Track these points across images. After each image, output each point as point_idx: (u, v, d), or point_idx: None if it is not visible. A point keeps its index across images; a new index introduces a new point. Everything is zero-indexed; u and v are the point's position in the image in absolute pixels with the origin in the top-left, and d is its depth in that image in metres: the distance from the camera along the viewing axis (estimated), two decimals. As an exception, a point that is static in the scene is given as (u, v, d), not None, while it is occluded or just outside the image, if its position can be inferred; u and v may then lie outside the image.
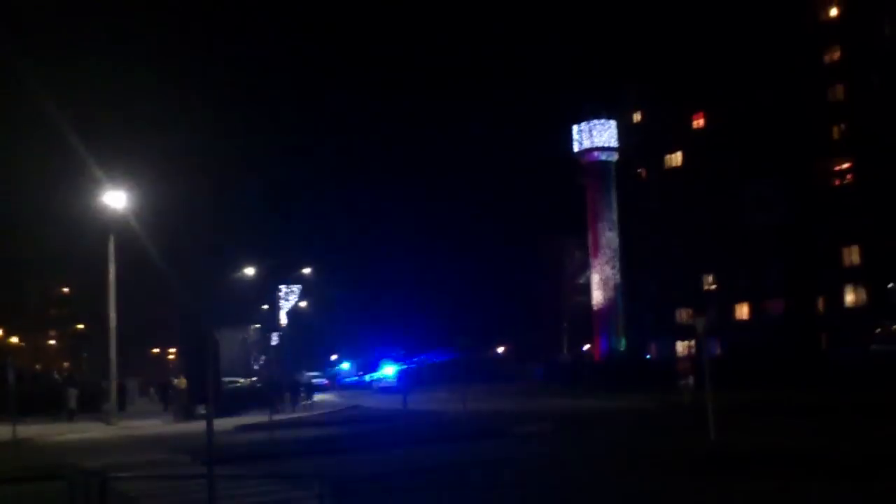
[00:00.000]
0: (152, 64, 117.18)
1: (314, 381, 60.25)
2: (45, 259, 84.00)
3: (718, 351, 57.58)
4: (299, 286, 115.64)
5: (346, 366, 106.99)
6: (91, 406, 40.12)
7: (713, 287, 68.73)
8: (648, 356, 70.52)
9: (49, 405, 39.75)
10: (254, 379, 73.24)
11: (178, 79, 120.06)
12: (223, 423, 24.55)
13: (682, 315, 68.70)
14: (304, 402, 46.78)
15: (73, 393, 39.08)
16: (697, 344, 50.36)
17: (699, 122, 70.66)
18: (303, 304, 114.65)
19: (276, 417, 28.56)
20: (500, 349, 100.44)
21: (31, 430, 30.20)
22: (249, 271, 78.84)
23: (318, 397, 50.33)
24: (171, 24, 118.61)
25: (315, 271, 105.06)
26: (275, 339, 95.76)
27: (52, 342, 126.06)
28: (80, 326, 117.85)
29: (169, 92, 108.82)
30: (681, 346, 67.87)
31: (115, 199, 35.78)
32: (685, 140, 71.18)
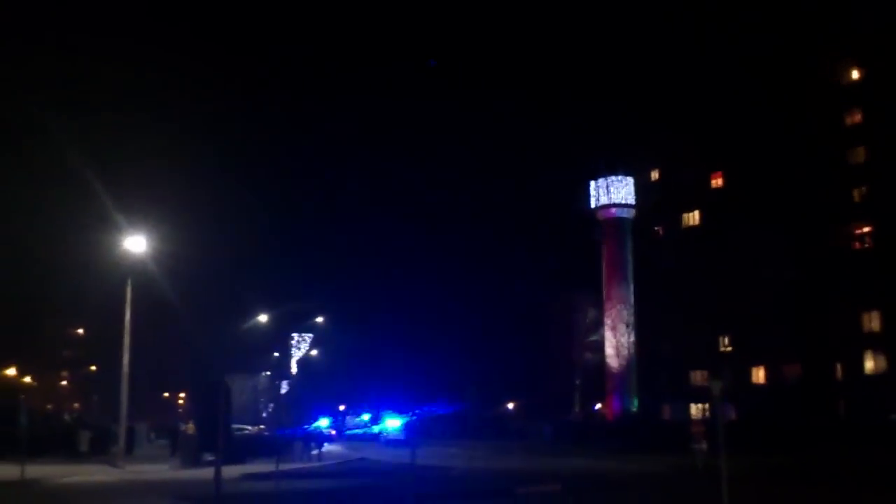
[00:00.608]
0: (173, 117, 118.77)
1: (321, 430, 59.89)
2: (62, 300, 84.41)
3: (734, 415, 56.85)
4: (311, 335, 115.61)
5: (365, 417, 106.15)
6: (100, 448, 40.06)
7: (729, 349, 68.08)
8: (662, 418, 69.66)
9: (59, 446, 39.77)
10: (262, 427, 72.87)
11: (197, 131, 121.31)
12: (229, 471, 24.29)
13: (697, 377, 67.98)
14: (313, 452, 46.46)
15: (85, 435, 39.11)
16: (712, 407, 49.74)
17: (717, 182, 70.67)
18: (314, 352, 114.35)
19: (283, 467, 28.28)
20: (510, 405, 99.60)
21: (40, 471, 30.02)
22: (263, 318, 78.81)
23: (325, 448, 49.95)
24: (191, 79, 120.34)
25: (328, 321, 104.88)
26: (284, 387, 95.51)
27: (64, 383, 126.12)
28: (93, 368, 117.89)
29: (188, 144, 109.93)
30: (695, 409, 67.04)
31: (135, 243, 36.02)
32: (703, 199, 71.13)
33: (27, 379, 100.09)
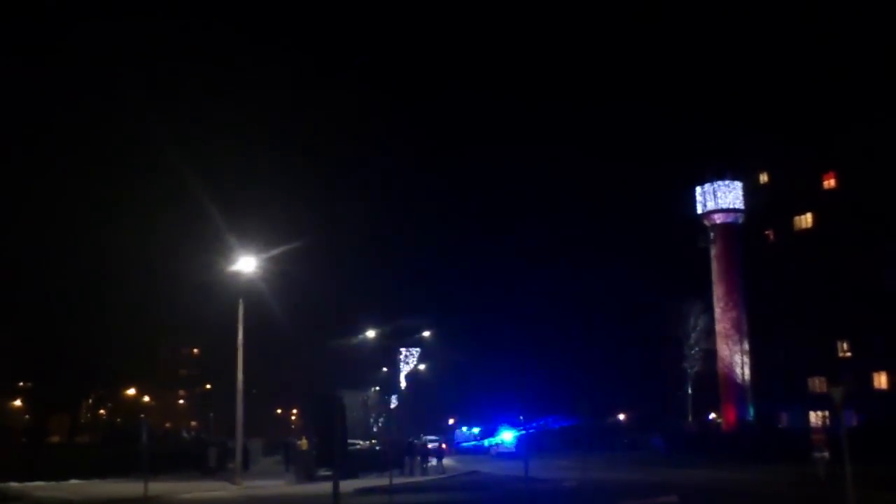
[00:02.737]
0: (281, 140, 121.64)
1: (430, 444, 60.17)
2: (178, 321, 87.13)
3: (855, 421, 54.89)
4: (419, 349, 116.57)
5: (473, 430, 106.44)
6: (218, 465, 41.26)
7: (848, 354, 65.78)
8: (780, 426, 67.78)
9: (186, 463, 41.34)
10: (373, 441, 73.68)
11: (304, 152, 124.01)
12: (344, 486, 24.56)
13: (815, 383, 65.97)
14: (427, 466, 46.80)
15: (213, 451, 40.50)
16: (833, 414, 48.11)
17: (830, 183, 68.43)
18: (422, 367, 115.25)
19: (396, 481, 28.50)
20: (621, 416, 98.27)
21: (161, 488, 30.99)
22: (371, 334, 79.86)
23: (433, 462, 50.19)
24: (302, 99, 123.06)
25: (435, 335, 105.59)
26: (394, 402, 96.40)
27: (181, 401, 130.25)
28: (208, 386, 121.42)
29: (298, 164, 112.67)
30: (814, 417, 64.99)
31: (246, 264, 36.96)
32: (815, 201, 69.00)
33: (146, 398, 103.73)
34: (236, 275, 37.30)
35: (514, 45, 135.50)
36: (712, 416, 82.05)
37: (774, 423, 68.56)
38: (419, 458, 48.04)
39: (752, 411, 73.46)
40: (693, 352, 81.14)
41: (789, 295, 68.92)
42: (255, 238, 40.05)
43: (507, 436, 71.71)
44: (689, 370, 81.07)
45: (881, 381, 63.10)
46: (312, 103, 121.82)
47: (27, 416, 73.83)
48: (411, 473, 42.72)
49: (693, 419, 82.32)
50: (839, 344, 66.34)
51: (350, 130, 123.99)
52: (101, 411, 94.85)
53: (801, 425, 61.33)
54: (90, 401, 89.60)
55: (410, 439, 53.22)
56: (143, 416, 39.36)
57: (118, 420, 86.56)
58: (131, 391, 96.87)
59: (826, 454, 29.41)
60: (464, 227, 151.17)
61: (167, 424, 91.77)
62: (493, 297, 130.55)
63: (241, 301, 37.05)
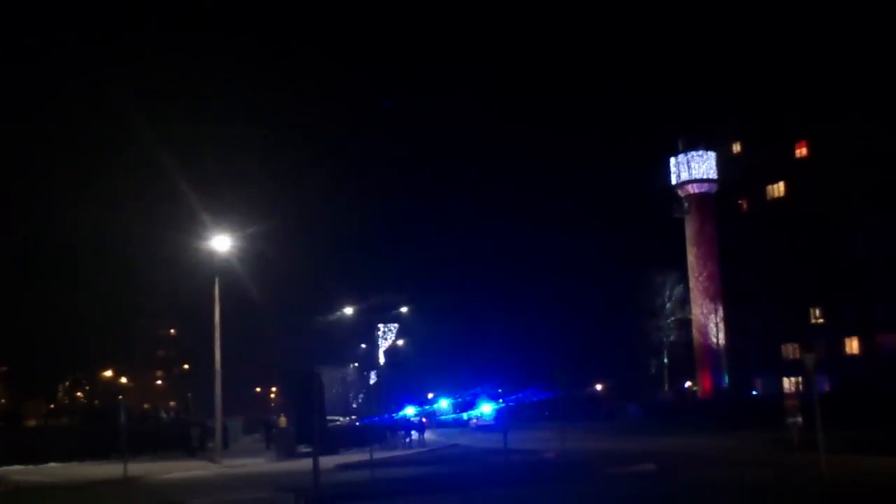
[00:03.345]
0: (254, 115, 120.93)
1: (411, 419, 60.41)
2: (154, 302, 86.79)
3: (827, 387, 55.65)
4: (397, 325, 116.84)
5: (444, 403, 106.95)
6: (197, 445, 41.32)
7: (820, 321, 66.56)
8: (754, 393, 68.60)
9: (162, 443, 41.36)
10: (353, 417, 73.88)
11: (280, 128, 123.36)
12: (324, 462, 24.70)
13: (789, 350, 66.72)
14: (405, 440, 47.09)
15: (196, 431, 40.57)
16: (806, 380, 48.73)
17: (802, 152, 68.83)
18: (400, 342, 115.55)
19: (377, 456, 28.65)
20: (599, 387, 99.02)
21: (141, 468, 31.00)
22: (348, 311, 79.92)
23: (415, 435, 50.44)
24: (278, 79, 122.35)
25: (413, 310, 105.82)
26: (373, 378, 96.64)
27: (159, 382, 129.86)
28: (186, 367, 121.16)
29: (271, 140, 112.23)
30: (788, 383, 65.84)
31: (221, 243, 36.82)
32: (788, 170, 69.41)
33: (123, 380, 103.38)
34: (211, 254, 37.16)
35: (486, 17, 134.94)
36: (688, 384, 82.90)
37: (749, 391, 69.38)
38: (400, 432, 48.39)
39: (726, 379, 74.27)
40: (669, 322, 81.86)
41: (763, 263, 69.52)
42: (230, 217, 39.94)
43: (486, 408, 72.08)
44: (664, 340, 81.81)
45: (853, 346, 63.90)
46: (286, 80, 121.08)
47: (3, 401, 73.48)
48: (392, 448, 42.96)
49: (669, 388, 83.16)
50: (812, 311, 67.07)
51: (325, 105, 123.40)
52: (79, 394, 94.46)
53: (775, 392, 62.08)
54: (67, 383, 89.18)
55: (389, 414, 53.52)
56: (120, 397, 39.22)
57: (96, 402, 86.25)
58: (108, 373, 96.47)
59: (799, 419, 29.74)
60: (440, 204, 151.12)
61: (145, 405, 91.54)
62: (470, 271, 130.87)
63: (216, 280, 36.92)
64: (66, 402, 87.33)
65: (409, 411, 71.73)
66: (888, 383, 50.65)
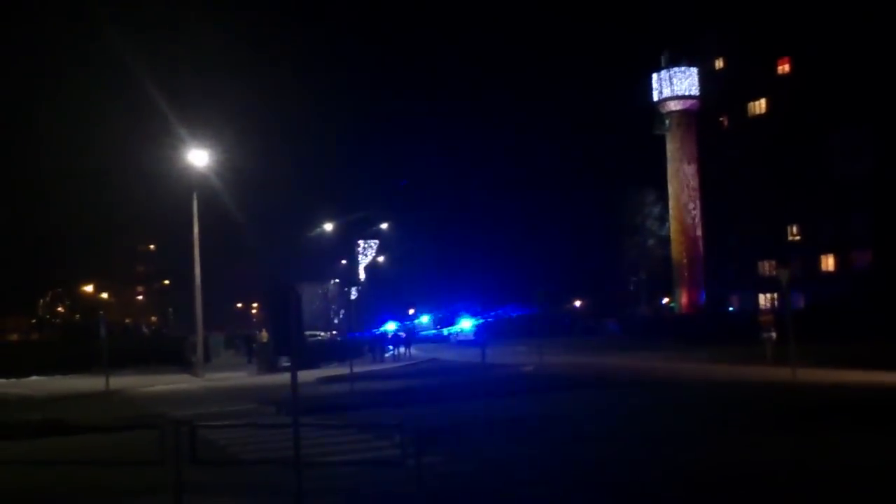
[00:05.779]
0: (233, 29, 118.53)
1: (391, 333, 61.06)
2: (133, 217, 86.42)
3: (802, 303, 56.44)
4: (377, 241, 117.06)
5: (424, 319, 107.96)
6: (177, 359, 41.63)
7: (797, 238, 67.18)
8: (730, 309, 69.53)
9: (145, 358, 41.72)
10: (334, 332, 74.43)
11: (257, 43, 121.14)
12: (305, 376, 25.04)
13: (765, 267, 67.40)
14: (385, 355, 47.66)
15: (190, 344, 41.00)
16: (781, 297, 49.37)
17: (784, 68, 68.49)
18: (381, 258, 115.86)
19: (357, 370, 29.02)
20: (577, 303, 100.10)
21: (123, 382, 31.29)
22: (328, 227, 79.85)
23: (402, 350, 51.06)
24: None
25: (393, 226, 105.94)
26: (354, 294, 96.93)
27: (140, 297, 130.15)
28: (166, 282, 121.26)
29: (249, 54, 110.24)
30: (763, 299, 66.72)
31: (198, 157, 36.53)
32: (769, 87, 69.17)
33: (104, 295, 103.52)
34: (189, 168, 36.90)
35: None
36: (665, 300, 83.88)
37: (725, 307, 70.28)
38: (380, 347, 48.93)
39: (704, 296, 75.13)
40: (648, 240, 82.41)
41: (742, 181, 69.74)
42: (207, 130, 39.53)
43: (466, 324, 72.88)
44: (643, 257, 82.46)
45: (828, 263, 64.65)
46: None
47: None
48: (372, 362, 43.48)
49: (647, 305, 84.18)
50: (789, 228, 67.64)
51: (302, 15, 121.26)
52: (60, 308, 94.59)
53: (751, 308, 62.97)
54: (48, 298, 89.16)
55: (370, 329, 54.00)
56: (101, 312, 39.22)
57: (77, 317, 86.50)
58: (89, 288, 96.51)
59: (773, 335, 30.27)
60: (422, 115, 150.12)
61: (127, 320, 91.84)
62: (451, 187, 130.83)
63: (194, 195, 36.75)
64: (48, 316, 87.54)
65: (390, 326, 72.46)
66: (862, 300, 51.43)
